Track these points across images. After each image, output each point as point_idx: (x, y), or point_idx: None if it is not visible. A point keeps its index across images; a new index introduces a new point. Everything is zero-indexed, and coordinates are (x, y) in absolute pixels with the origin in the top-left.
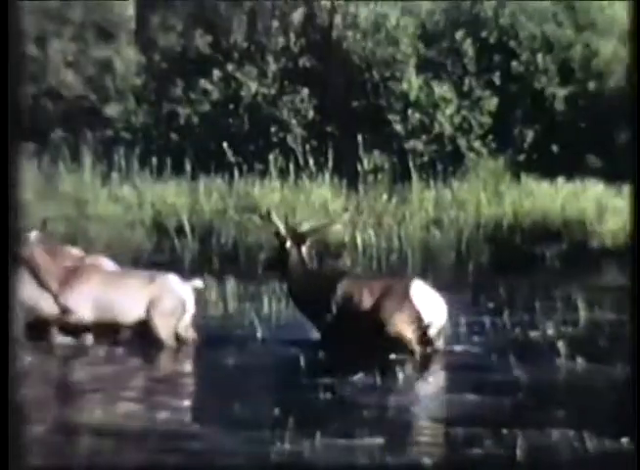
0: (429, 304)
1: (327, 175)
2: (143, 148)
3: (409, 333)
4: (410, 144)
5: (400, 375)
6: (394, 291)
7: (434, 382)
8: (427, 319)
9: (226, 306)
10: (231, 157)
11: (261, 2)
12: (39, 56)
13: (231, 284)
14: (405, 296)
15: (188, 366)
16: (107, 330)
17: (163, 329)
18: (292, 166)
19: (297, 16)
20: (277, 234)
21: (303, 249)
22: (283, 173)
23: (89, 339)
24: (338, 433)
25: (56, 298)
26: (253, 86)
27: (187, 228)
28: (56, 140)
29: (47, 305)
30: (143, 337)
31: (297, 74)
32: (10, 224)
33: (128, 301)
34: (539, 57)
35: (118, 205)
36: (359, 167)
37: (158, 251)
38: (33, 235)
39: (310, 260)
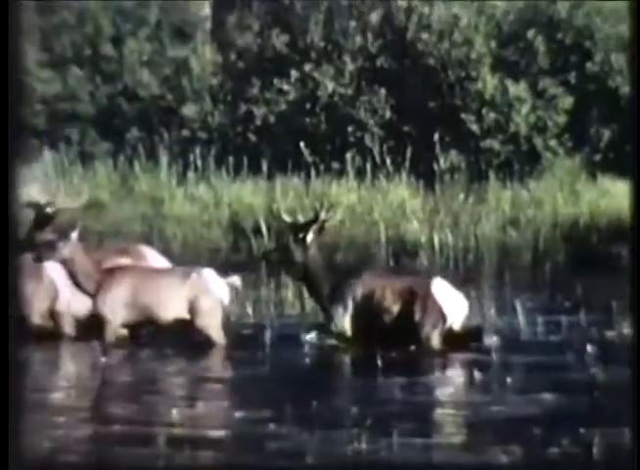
0: (450, 301)
1: (404, 175)
2: (219, 148)
3: (435, 333)
4: (486, 143)
5: (476, 374)
6: (418, 292)
7: (506, 381)
8: (449, 317)
9: (303, 305)
10: (308, 156)
11: (338, 2)
12: (115, 56)
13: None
14: (428, 295)
15: (264, 366)
16: (145, 329)
17: (211, 327)
18: (369, 166)
19: (375, 16)
20: (294, 226)
21: (318, 241)
22: (360, 173)
23: (123, 335)
24: (414, 432)
25: (93, 300)
26: (331, 86)
27: (263, 228)
28: (132, 140)
29: (86, 307)
30: (184, 335)
31: (375, 74)
32: (10, 224)
33: (164, 300)
34: (614, 57)
35: (195, 204)
36: (436, 167)
37: (234, 250)
38: (74, 236)
39: (325, 254)
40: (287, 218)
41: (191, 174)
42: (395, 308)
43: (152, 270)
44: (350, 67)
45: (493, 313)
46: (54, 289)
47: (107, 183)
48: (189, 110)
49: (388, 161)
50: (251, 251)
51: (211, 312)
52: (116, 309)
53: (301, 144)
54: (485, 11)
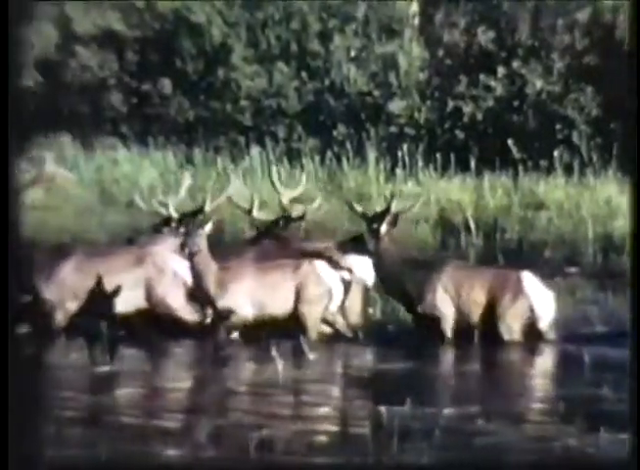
0: (540, 297)
1: (610, 172)
2: (427, 144)
3: (518, 325)
4: None
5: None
6: (508, 283)
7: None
8: (539, 312)
9: None
10: (516, 153)
11: (546, 1)
12: (322, 52)
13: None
14: (519, 288)
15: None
16: (263, 325)
17: (309, 318)
18: (576, 163)
19: (583, 15)
20: (368, 217)
21: (392, 233)
22: (567, 170)
23: (236, 336)
24: (622, 428)
25: (213, 300)
26: (539, 83)
27: (472, 224)
28: (339, 136)
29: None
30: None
31: (582, 72)
32: (10, 224)
33: (278, 292)
34: None
35: (403, 201)
36: None
37: (442, 247)
38: (206, 229)
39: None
40: (359, 209)
41: (399, 171)
42: (484, 301)
43: (266, 265)
44: (558, 64)
45: None
46: (181, 281)
47: (314, 180)
48: (396, 106)
49: (596, 157)
50: (459, 247)
51: (315, 302)
52: (240, 307)
53: (509, 141)
54: None
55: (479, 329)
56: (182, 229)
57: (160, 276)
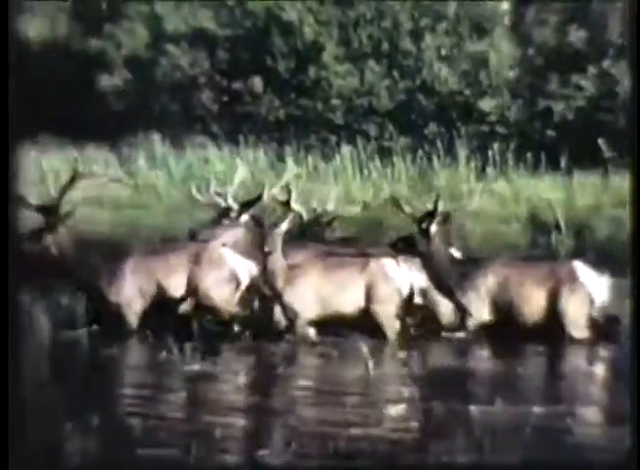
0: (595, 285)
1: None
2: (518, 143)
3: (583, 320)
4: None
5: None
6: (563, 277)
7: None
8: (597, 301)
9: None
10: (606, 152)
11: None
12: (413, 50)
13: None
14: (575, 280)
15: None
16: (331, 323)
17: (383, 317)
18: None
19: None
20: (414, 217)
21: (443, 232)
22: None
23: (312, 333)
24: None
25: (279, 294)
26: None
27: (562, 224)
28: (430, 135)
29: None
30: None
31: None
32: (10, 224)
33: (346, 290)
34: None
35: (494, 199)
36: None
37: (533, 246)
38: (283, 227)
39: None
40: (407, 209)
41: (489, 169)
42: (538, 296)
43: (332, 262)
44: None
45: None
46: (235, 279)
47: (405, 178)
48: (487, 104)
49: None
50: (550, 246)
51: (387, 300)
52: (306, 304)
53: (599, 140)
54: None
55: (534, 325)
56: (243, 219)
57: (212, 270)
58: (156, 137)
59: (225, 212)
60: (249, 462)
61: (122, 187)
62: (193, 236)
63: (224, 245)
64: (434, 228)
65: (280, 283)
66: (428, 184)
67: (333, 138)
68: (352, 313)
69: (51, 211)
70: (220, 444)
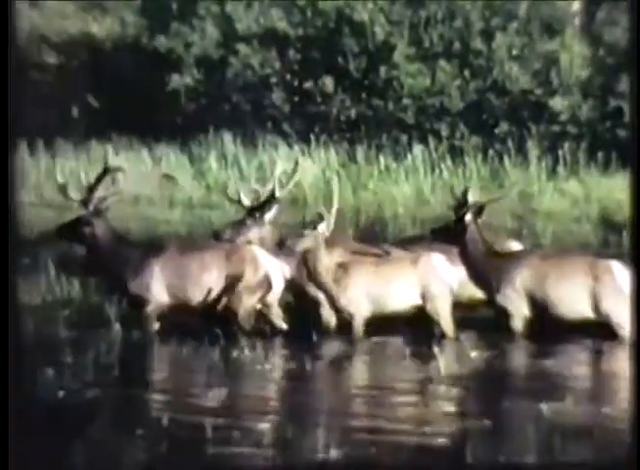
0: (626, 278)
1: None
2: (589, 142)
3: (626, 317)
4: None
5: None
6: (601, 274)
7: None
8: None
9: None
10: None
11: None
12: (485, 50)
13: None
14: (612, 277)
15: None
16: (382, 321)
17: (440, 313)
18: None
19: None
20: (453, 206)
21: (478, 223)
22: None
23: (361, 331)
24: None
25: (330, 293)
26: None
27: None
28: (501, 134)
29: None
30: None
31: None
32: (10, 225)
33: (398, 288)
34: None
35: (565, 199)
36: None
37: (604, 246)
38: (321, 227)
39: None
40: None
41: (561, 169)
42: (576, 292)
43: (382, 261)
44: None
45: None
46: (268, 281)
47: (476, 178)
48: (558, 104)
49: None
50: (621, 246)
51: (442, 298)
52: (360, 304)
53: None
54: None
55: (572, 321)
56: (267, 217)
57: (246, 273)
58: (227, 136)
59: (252, 211)
60: (316, 461)
61: (196, 187)
62: (217, 236)
63: (250, 243)
64: (468, 218)
65: (330, 283)
66: (499, 184)
67: (404, 138)
68: (404, 311)
69: (83, 205)
70: (290, 443)
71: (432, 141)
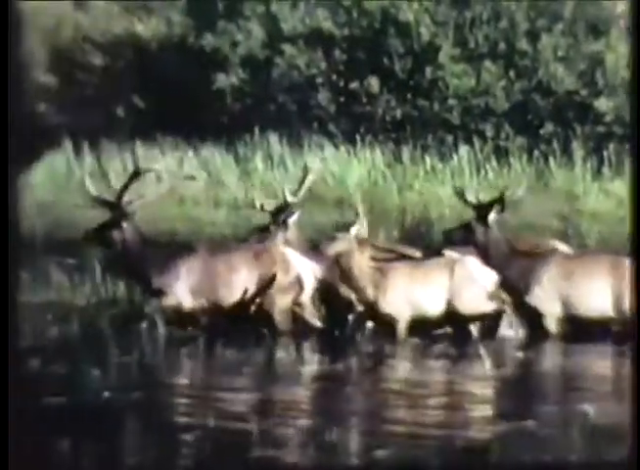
0: None
1: None
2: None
3: None
4: None
5: None
6: (621, 271)
7: None
8: None
9: None
10: None
11: None
12: (530, 51)
13: None
14: (627, 273)
15: None
16: (419, 324)
17: (474, 315)
18: None
19: None
20: (474, 205)
21: (501, 222)
22: None
23: (402, 334)
24: None
25: (366, 296)
26: None
27: None
28: (546, 135)
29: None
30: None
31: None
32: (10, 225)
33: (431, 293)
34: None
35: (610, 200)
36: None
37: None
38: (352, 230)
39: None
40: (469, 198)
41: (606, 170)
42: (602, 289)
43: (418, 264)
44: None
45: None
46: (299, 281)
47: (521, 178)
48: (603, 104)
49: None
50: None
51: (475, 301)
52: (401, 307)
53: None
54: None
55: (599, 320)
56: (292, 219)
57: (278, 274)
58: (273, 137)
59: (278, 212)
60: (365, 463)
61: (242, 187)
62: (251, 236)
63: (283, 244)
64: (492, 217)
65: (367, 287)
66: (544, 184)
67: (449, 138)
68: (438, 315)
69: (113, 207)
70: (335, 444)
71: (477, 142)
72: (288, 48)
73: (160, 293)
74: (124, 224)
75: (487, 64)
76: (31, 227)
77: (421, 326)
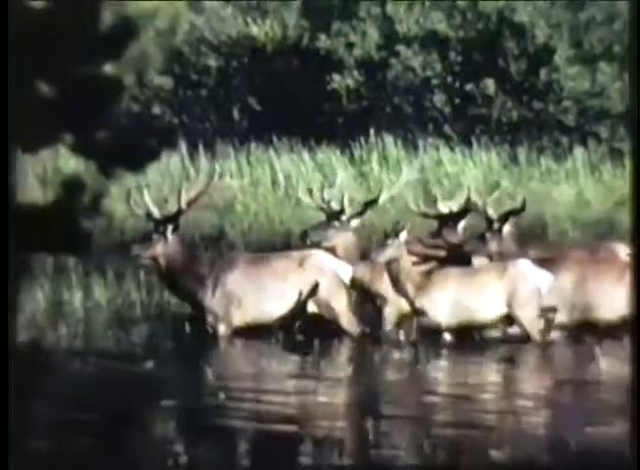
0: None
1: None
2: None
3: None
4: None
5: None
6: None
7: None
8: None
9: None
10: None
11: None
12: None
13: None
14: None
15: None
16: (468, 330)
17: (526, 320)
18: None
19: None
20: (487, 216)
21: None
22: None
23: (447, 338)
24: None
25: (412, 301)
26: None
27: None
28: None
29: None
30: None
31: None
32: (9, 225)
33: (484, 298)
34: None
35: None
36: None
37: None
38: (402, 236)
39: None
40: (492, 213)
41: None
42: (616, 293)
43: (467, 270)
44: None
45: None
46: (340, 284)
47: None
48: None
49: None
50: None
51: (528, 303)
52: (437, 309)
53: None
54: None
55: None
56: (353, 223)
57: (322, 279)
58: (388, 139)
59: (336, 215)
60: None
61: (357, 189)
62: (304, 237)
63: (333, 248)
64: (506, 229)
65: (411, 292)
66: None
67: (564, 140)
68: (491, 320)
69: (172, 220)
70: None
71: (591, 143)
72: (403, 50)
73: (207, 312)
74: (170, 237)
75: (602, 65)
76: None
77: (470, 330)
